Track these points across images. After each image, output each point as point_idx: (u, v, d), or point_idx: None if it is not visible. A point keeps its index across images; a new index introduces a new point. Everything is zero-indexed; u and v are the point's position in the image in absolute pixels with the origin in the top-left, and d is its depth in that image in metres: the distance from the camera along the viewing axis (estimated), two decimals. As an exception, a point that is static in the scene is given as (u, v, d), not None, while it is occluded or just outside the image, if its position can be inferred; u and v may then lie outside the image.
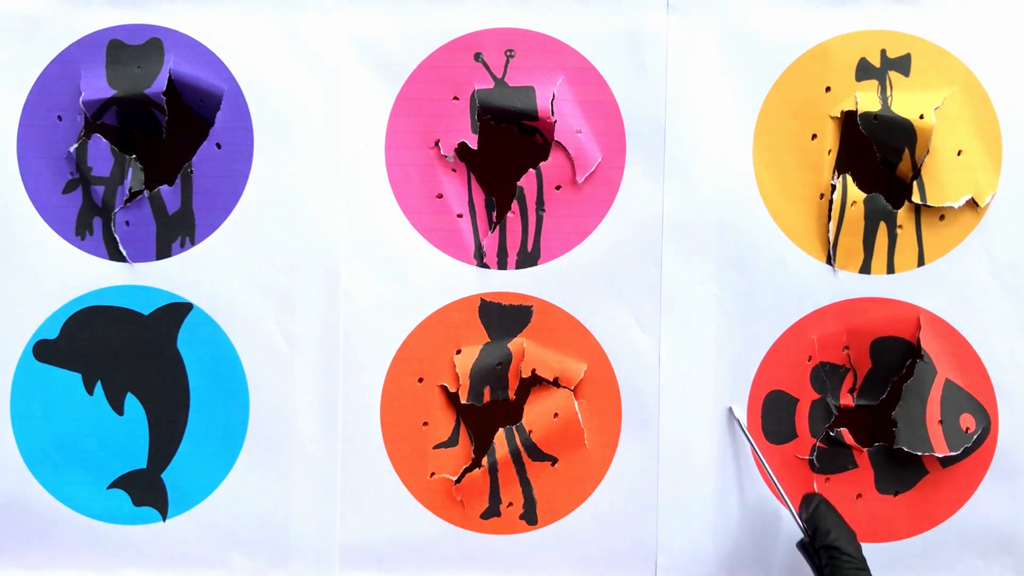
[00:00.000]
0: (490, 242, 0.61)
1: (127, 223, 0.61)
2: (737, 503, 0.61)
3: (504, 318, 0.61)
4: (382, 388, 0.61)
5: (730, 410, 0.60)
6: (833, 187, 0.60)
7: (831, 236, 0.60)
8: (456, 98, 0.61)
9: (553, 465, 0.61)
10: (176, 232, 0.61)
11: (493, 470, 0.61)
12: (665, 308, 0.61)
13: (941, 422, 0.60)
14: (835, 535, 0.54)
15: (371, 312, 0.61)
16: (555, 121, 0.60)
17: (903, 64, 0.60)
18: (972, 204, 0.60)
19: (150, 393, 0.62)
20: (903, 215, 0.60)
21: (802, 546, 0.56)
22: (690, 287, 0.61)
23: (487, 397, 0.61)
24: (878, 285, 0.61)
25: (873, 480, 0.61)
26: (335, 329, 0.61)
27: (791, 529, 0.61)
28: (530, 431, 0.61)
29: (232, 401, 0.61)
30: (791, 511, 0.58)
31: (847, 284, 0.61)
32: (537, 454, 0.61)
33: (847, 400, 0.62)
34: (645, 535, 0.61)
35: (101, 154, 0.61)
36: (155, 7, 0.61)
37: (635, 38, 0.60)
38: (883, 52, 0.60)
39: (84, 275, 0.61)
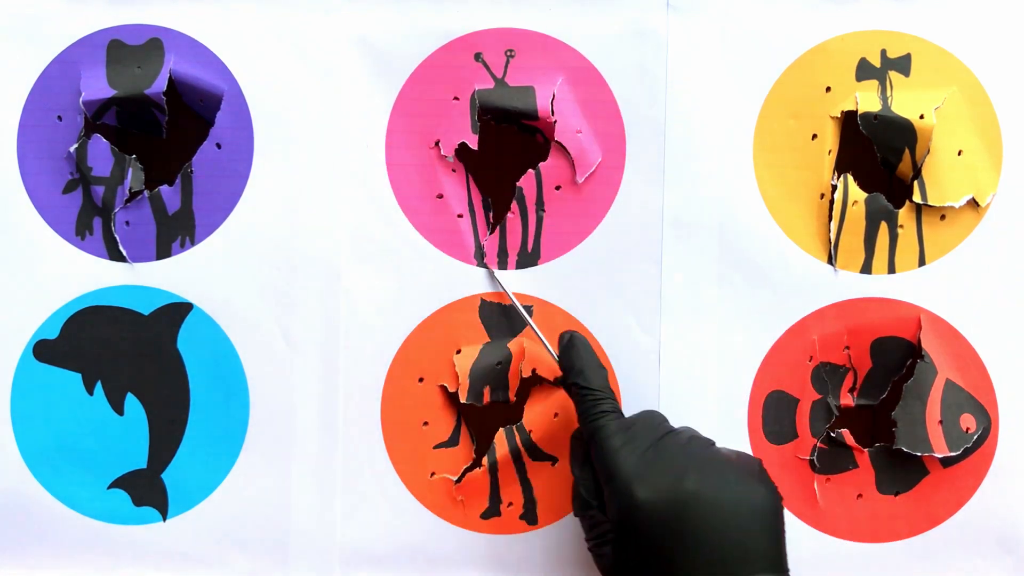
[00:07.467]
0: (490, 242, 0.61)
1: (127, 223, 0.61)
2: (737, 503, 0.61)
3: (504, 318, 0.61)
4: (382, 388, 0.61)
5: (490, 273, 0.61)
6: (834, 187, 0.60)
7: (832, 236, 0.60)
8: (456, 98, 0.61)
9: (553, 465, 0.61)
10: (176, 232, 0.61)
11: (493, 470, 0.61)
12: (665, 308, 0.61)
13: (941, 422, 0.60)
14: (579, 369, 0.55)
15: (371, 312, 0.61)
16: (555, 121, 0.60)
17: (903, 64, 0.60)
18: (973, 204, 0.60)
19: (150, 393, 0.62)
20: (904, 215, 0.60)
21: (563, 384, 0.56)
22: (690, 287, 0.61)
23: (487, 397, 0.61)
24: (879, 285, 0.61)
25: (874, 480, 0.61)
26: (335, 329, 0.61)
27: (792, 530, 0.61)
28: (530, 431, 0.61)
29: (232, 401, 0.61)
30: (551, 352, 0.58)
31: (848, 284, 0.61)
32: (537, 454, 0.61)
33: (847, 400, 0.62)
34: (645, 535, 0.61)
35: (101, 154, 0.61)
36: (155, 7, 0.61)
37: (635, 38, 0.60)
38: (883, 52, 0.60)
39: (84, 275, 0.61)
